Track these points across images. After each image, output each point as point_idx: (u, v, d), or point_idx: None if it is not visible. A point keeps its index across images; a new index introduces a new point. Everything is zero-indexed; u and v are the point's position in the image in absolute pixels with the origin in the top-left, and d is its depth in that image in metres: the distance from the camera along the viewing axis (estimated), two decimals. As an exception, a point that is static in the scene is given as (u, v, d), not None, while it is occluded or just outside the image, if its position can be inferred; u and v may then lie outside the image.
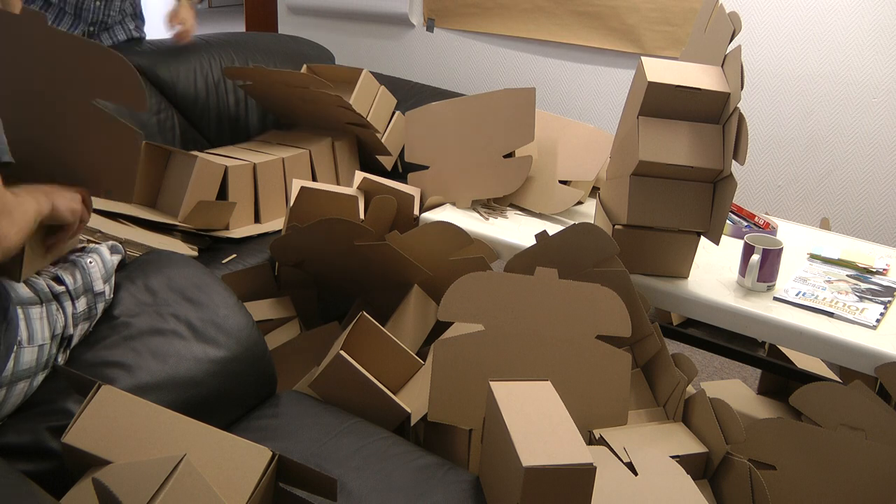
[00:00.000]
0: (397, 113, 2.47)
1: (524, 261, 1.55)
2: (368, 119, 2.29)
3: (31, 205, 1.06)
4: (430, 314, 1.69)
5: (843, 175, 2.48)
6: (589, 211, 1.98)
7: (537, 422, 1.09)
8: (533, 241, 1.56)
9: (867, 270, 1.66)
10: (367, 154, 2.46)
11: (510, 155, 1.95)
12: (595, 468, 1.03)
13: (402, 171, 2.49)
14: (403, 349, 1.51)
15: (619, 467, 1.31)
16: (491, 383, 1.17)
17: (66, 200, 1.15)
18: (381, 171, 2.42)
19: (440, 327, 1.64)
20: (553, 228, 1.56)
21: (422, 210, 1.94)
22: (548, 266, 1.47)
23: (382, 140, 2.39)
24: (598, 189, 1.84)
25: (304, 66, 2.46)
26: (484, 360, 1.34)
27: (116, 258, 1.35)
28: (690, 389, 1.56)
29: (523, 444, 1.04)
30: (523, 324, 1.35)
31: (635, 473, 1.30)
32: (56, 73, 1.15)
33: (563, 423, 1.10)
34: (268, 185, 2.12)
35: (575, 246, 1.51)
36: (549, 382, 1.19)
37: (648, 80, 1.48)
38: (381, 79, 2.62)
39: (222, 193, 2.02)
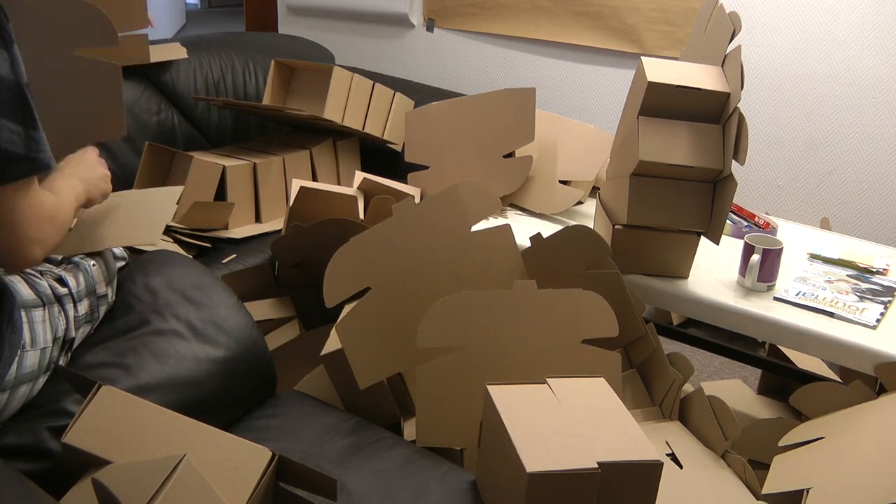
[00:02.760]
0: (396, 96, 2.45)
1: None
2: (345, 121, 2.25)
3: (71, 201, 1.08)
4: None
5: (843, 175, 2.48)
6: (589, 211, 1.98)
7: (538, 425, 1.08)
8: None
9: (867, 270, 1.66)
10: (369, 153, 2.46)
11: (510, 155, 1.95)
12: (599, 472, 1.01)
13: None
14: None
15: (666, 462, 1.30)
16: (488, 387, 1.15)
17: (98, 187, 1.19)
18: (383, 172, 2.42)
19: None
20: (553, 228, 1.56)
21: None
22: (542, 268, 1.47)
23: (384, 134, 2.38)
24: (598, 189, 1.84)
25: (273, 60, 2.38)
26: (469, 379, 1.30)
27: (120, 262, 1.35)
28: (689, 388, 1.56)
29: (526, 449, 1.02)
30: (506, 339, 1.32)
31: (681, 466, 1.29)
32: (42, 34, 1.21)
33: (567, 424, 1.09)
34: (268, 185, 2.12)
35: (568, 248, 1.51)
36: (545, 385, 1.18)
37: (648, 79, 1.48)
38: (382, 79, 2.62)
39: (221, 194, 2.02)
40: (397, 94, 2.43)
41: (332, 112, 2.20)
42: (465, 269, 1.43)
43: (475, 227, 1.44)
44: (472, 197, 1.44)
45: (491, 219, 1.88)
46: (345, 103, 2.27)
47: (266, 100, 2.31)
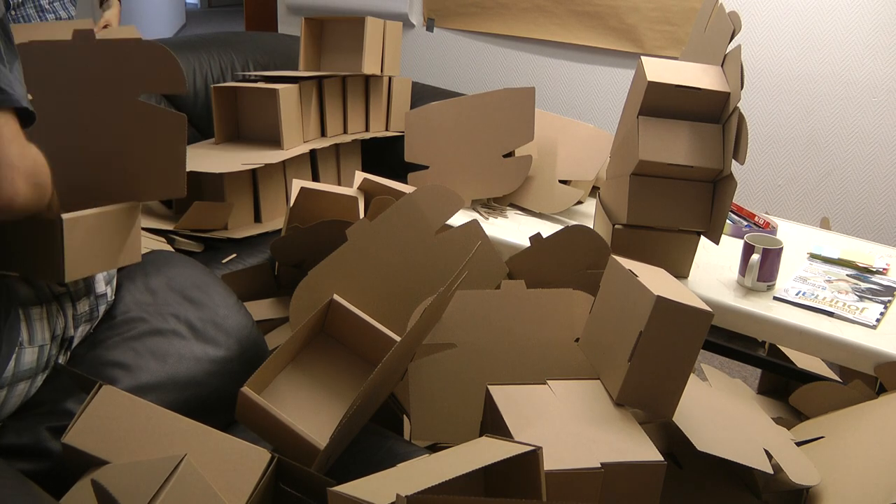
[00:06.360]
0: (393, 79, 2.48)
1: (519, 263, 1.55)
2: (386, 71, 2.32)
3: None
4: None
5: (843, 175, 2.48)
6: (589, 211, 1.98)
7: (540, 426, 1.08)
8: (533, 241, 1.56)
9: (867, 270, 1.66)
10: (371, 153, 2.46)
11: (510, 155, 1.95)
12: (602, 471, 1.00)
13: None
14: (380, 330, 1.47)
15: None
16: (489, 387, 1.14)
17: None
18: (384, 172, 2.43)
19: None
20: (553, 228, 1.56)
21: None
22: (542, 268, 1.47)
23: (390, 125, 2.43)
24: (598, 189, 1.84)
25: (303, 19, 2.35)
26: (461, 376, 1.31)
27: None
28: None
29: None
30: (498, 337, 1.33)
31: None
32: (102, 81, 1.10)
33: (569, 425, 1.09)
34: (268, 185, 2.12)
35: (569, 248, 1.51)
36: (546, 386, 1.18)
37: (648, 79, 1.48)
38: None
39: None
40: (394, 77, 2.47)
41: (370, 66, 2.27)
42: (438, 272, 1.42)
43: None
44: (432, 200, 1.43)
45: (490, 218, 1.88)
46: (381, 54, 2.34)
47: (301, 60, 2.37)
